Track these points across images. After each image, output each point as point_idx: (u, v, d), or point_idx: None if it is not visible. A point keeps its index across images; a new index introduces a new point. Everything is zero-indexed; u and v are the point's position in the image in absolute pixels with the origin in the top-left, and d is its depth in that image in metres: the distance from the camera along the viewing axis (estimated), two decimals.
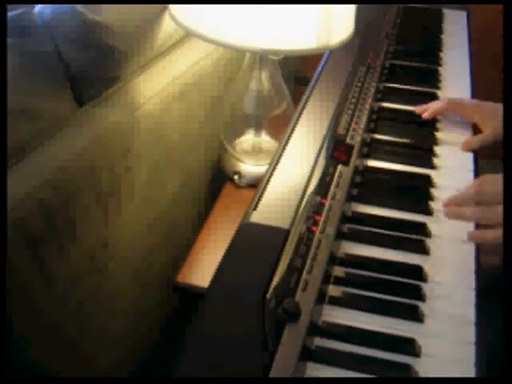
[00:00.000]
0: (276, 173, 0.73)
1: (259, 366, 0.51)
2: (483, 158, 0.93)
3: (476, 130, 0.93)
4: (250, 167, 1.12)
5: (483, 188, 0.69)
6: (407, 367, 0.57)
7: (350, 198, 0.77)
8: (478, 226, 0.73)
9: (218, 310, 0.56)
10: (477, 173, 0.85)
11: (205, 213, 1.08)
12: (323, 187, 0.72)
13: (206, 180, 1.18)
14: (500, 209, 0.67)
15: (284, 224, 0.64)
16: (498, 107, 0.88)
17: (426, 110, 0.94)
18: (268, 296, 0.56)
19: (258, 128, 1.11)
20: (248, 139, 1.14)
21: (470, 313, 0.63)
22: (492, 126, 0.87)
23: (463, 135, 0.92)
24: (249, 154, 1.13)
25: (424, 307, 0.63)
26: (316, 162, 0.75)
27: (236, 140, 1.14)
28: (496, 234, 0.67)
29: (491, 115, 0.89)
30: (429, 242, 0.72)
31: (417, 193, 0.81)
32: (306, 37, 0.82)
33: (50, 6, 0.75)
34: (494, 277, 0.70)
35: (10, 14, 0.73)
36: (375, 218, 0.75)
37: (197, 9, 0.82)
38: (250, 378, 0.50)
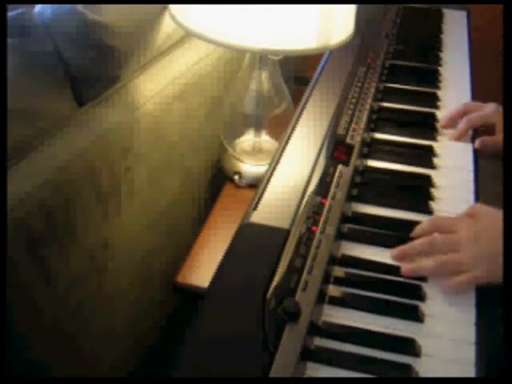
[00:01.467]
0: (276, 173, 0.73)
1: (259, 366, 0.51)
2: (483, 158, 0.93)
3: (476, 130, 0.93)
4: (250, 167, 1.12)
5: (436, 237, 0.68)
6: (407, 367, 0.57)
7: (350, 198, 0.77)
8: None
9: (217, 310, 0.56)
10: (477, 173, 0.85)
11: (205, 213, 1.08)
12: (323, 187, 0.72)
13: (206, 180, 1.18)
14: (459, 255, 0.66)
15: (284, 224, 0.64)
16: None
17: (449, 123, 0.93)
18: (268, 296, 0.56)
19: (257, 128, 1.11)
20: (248, 139, 1.14)
21: (470, 313, 0.63)
22: None
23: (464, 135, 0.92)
24: (249, 153, 1.13)
25: (424, 307, 0.63)
26: (316, 162, 0.75)
27: (236, 140, 1.14)
28: (462, 280, 0.65)
29: None
30: None
31: (417, 193, 0.81)
32: (306, 37, 0.82)
33: (49, 6, 0.75)
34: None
35: (9, 14, 0.73)
36: (375, 218, 0.75)
37: (197, 9, 0.82)
38: (250, 377, 0.50)
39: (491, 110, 0.90)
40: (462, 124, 0.91)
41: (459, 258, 0.66)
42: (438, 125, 0.95)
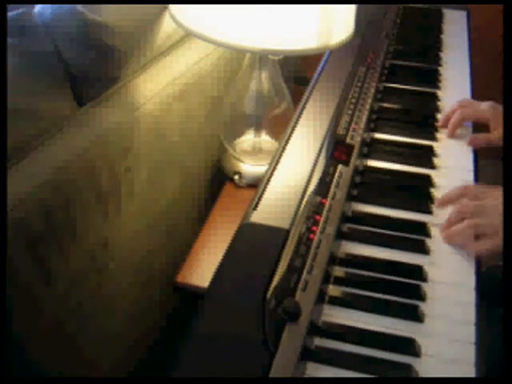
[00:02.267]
0: (276, 173, 0.73)
1: (259, 366, 0.51)
2: (483, 158, 0.93)
3: (477, 130, 0.93)
4: (250, 167, 1.12)
5: (464, 205, 0.71)
6: (407, 367, 0.57)
7: (350, 198, 0.77)
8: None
9: (218, 310, 0.56)
10: (477, 173, 0.85)
11: (205, 213, 1.08)
12: (323, 187, 0.72)
13: (206, 180, 1.18)
14: (484, 221, 0.68)
15: (284, 224, 0.64)
16: None
17: (447, 123, 0.94)
18: (268, 296, 0.56)
19: (257, 128, 1.11)
20: (248, 139, 1.14)
21: (470, 313, 0.63)
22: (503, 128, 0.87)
23: (464, 135, 0.92)
24: (249, 153, 1.13)
25: (424, 307, 0.63)
26: (316, 162, 0.75)
27: (236, 140, 1.14)
28: (488, 245, 0.67)
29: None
30: (429, 242, 0.72)
31: (417, 193, 0.81)
32: (306, 37, 0.82)
33: (49, 6, 0.75)
34: (494, 277, 0.70)
35: (9, 14, 0.73)
36: (375, 217, 0.75)
37: (197, 9, 0.82)
38: (250, 377, 0.50)
39: (485, 107, 0.91)
40: (455, 116, 0.92)
41: (485, 222, 0.68)
42: (438, 124, 0.95)
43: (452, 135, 0.92)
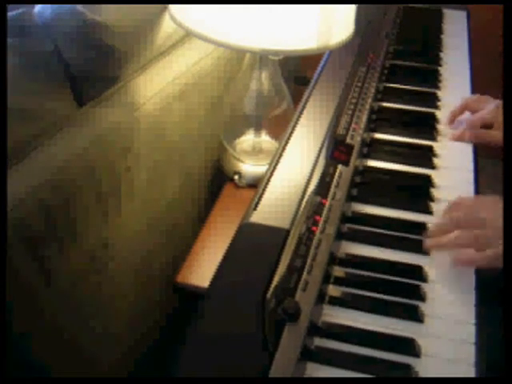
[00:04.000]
0: (276, 173, 0.73)
1: (259, 366, 0.51)
2: (483, 158, 0.93)
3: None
4: (250, 167, 1.12)
5: (459, 215, 0.70)
6: (407, 367, 0.57)
7: (350, 198, 0.77)
8: None
9: (218, 310, 0.56)
10: (477, 173, 0.85)
11: (205, 213, 1.08)
12: (323, 187, 0.72)
13: (206, 180, 1.18)
14: (478, 233, 0.67)
15: (284, 224, 0.64)
16: None
17: (451, 118, 0.95)
18: (268, 296, 0.56)
19: (257, 128, 1.11)
20: (248, 139, 1.14)
21: (470, 313, 0.63)
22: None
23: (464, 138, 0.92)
24: (249, 153, 1.13)
25: (424, 307, 0.63)
26: (316, 162, 0.75)
27: (236, 140, 1.14)
28: (483, 256, 0.66)
29: None
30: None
31: (417, 193, 0.81)
32: (306, 37, 0.82)
33: (49, 6, 0.75)
34: (494, 277, 0.70)
35: (9, 14, 0.73)
36: (375, 217, 0.76)
37: (197, 9, 0.82)
38: (250, 377, 0.50)
39: (490, 110, 0.90)
40: (464, 127, 0.92)
41: (480, 234, 0.67)
42: (438, 125, 0.95)
43: (456, 140, 0.92)
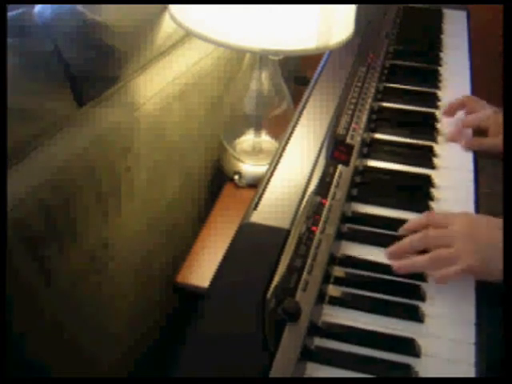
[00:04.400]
0: (276, 173, 0.73)
1: (259, 366, 0.51)
2: (483, 158, 0.92)
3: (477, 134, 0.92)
4: (250, 167, 1.12)
5: (428, 233, 0.68)
6: (407, 367, 0.57)
7: (350, 198, 0.77)
8: None
9: (218, 310, 0.56)
10: (477, 173, 0.85)
11: (205, 213, 1.08)
12: (323, 187, 0.72)
13: (206, 180, 1.18)
14: (451, 250, 0.65)
15: (284, 224, 0.64)
16: None
17: (449, 110, 0.96)
18: (268, 296, 0.56)
19: (257, 128, 1.11)
20: (248, 139, 1.14)
21: (470, 313, 0.63)
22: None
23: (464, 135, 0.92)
24: (249, 154, 1.13)
25: (424, 307, 0.63)
26: (316, 162, 0.75)
27: (236, 140, 1.14)
28: (450, 272, 0.64)
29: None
30: None
31: (417, 193, 0.81)
32: (305, 37, 0.82)
33: (49, 6, 0.75)
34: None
35: (9, 14, 0.73)
36: (375, 218, 0.75)
37: (197, 9, 0.82)
38: (250, 378, 0.50)
39: (487, 114, 0.90)
40: (459, 125, 0.92)
41: (452, 251, 0.65)
42: (438, 125, 0.95)
43: (452, 140, 0.92)
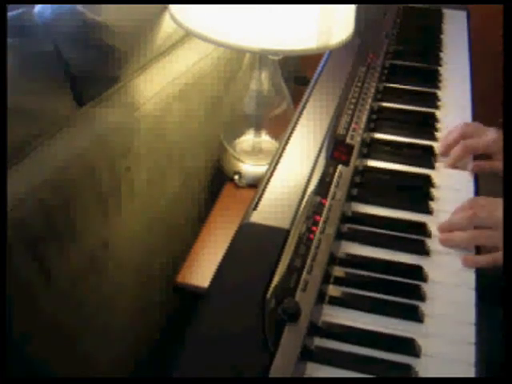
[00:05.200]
0: (276, 173, 0.73)
1: (259, 366, 0.51)
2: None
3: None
4: (250, 167, 1.12)
5: (476, 213, 0.70)
6: (407, 367, 0.57)
7: (350, 198, 0.77)
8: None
9: (217, 310, 0.56)
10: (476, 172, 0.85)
11: (205, 213, 1.08)
12: (323, 187, 0.72)
13: (206, 180, 1.18)
14: (492, 233, 0.68)
15: (284, 224, 0.64)
16: None
17: (447, 151, 0.86)
18: (268, 296, 0.56)
19: (257, 128, 1.11)
20: (248, 139, 1.14)
21: (470, 313, 0.63)
22: None
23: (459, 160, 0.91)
24: (249, 153, 1.13)
25: (424, 307, 0.63)
26: (316, 161, 0.75)
27: (236, 140, 1.14)
28: (489, 259, 0.67)
29: None
30: (429, 242, 0.72)
31: (417, 193, 0.81)
32: (305, 37, 0.82)
33: (49, 6, 0.75)
34: (494, 277, 0.70)
35: (9, 14, 0.72)
36: (375, 217, 0.75)
37: (197, 9, 0.82)
38: (250, 378, 0.50)
39: (492, 138, 0.82)
40: (457, 149, 0.84)
41: (494, 235, 0.68)
42: (438, 125, 0.95)
43: (453, 167, 0.85)
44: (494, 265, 0.67)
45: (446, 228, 0.73)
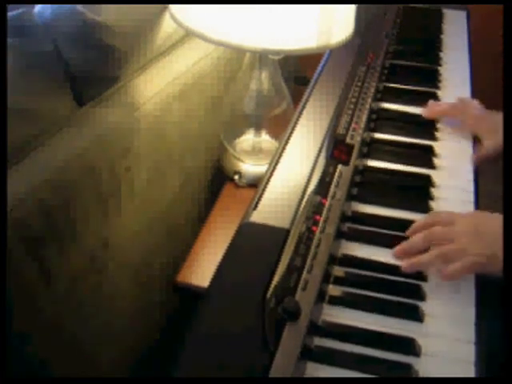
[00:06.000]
0: (276, 173, 0.73)
1: (259, 366, 0.51)
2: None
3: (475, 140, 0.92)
4: (250, 167, 1.12)
5: (431, 232, 0.68)
6: (407, 367, 0.57)
7: (350, 198, 0.77)
8: None
9: (218, 310, 0.56)
10: (476, 172, 0.85)
11: (205, 213, 1.08)
12: (323, 187, 0.72)
13: (206, 180, 1.18)
14: (452, 245, 0.66)
15: (284, 224, 0.64)
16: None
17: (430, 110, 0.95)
18: (268, 295, 0.56)
19: (257, 128, 1.11)
20: (248, 139, 1.14)
21: (470, 313, 0.63)
22: (495, 138, 0.85)
23: (463, 135, 0.92)
24: (249, 154, 1.13)
25: (424, 307, 0.63)
26: (316, 161, 0.75)
27: (236, 140, 1.14)
28: (457, 267, 0.65)
29: (496, 128, 0.85)
30: None
31: (417, 193, 0.81)
32: (306, 37, 0.82)
33: (49, 6, 0.75)
34: (494, 277, 0.70)
35: (9, 14, 0.73)
36: (375, 217, 0.75)
37: (197, 9, 0.82)
38: (250, 378, 0.50)
39: (474, 123, 0.90)
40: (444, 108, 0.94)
41: (456, 247, 0.66)
42: (438, 125, 0.95)
43: (430, 113, 0.95)
44: (470, 270, 0.66)
45: (405, 252, 0.69)
